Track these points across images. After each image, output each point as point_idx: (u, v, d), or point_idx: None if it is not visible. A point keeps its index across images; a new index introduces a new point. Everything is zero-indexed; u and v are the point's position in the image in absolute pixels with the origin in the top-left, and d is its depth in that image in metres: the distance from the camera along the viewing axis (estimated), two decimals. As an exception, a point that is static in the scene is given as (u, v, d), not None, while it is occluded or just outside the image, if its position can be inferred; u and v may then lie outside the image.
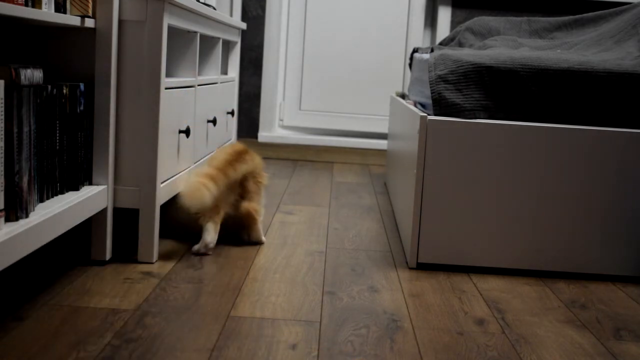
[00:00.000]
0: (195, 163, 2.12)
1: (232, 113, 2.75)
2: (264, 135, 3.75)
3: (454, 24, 3.69)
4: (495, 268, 1.85)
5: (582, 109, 1.82)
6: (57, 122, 1.45)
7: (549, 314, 1.54)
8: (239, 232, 1.96)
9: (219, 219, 1.84)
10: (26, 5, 1.30)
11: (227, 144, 2.00)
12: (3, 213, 1.19)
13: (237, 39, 2.92)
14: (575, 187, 1.80)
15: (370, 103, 3.83)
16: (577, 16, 2.60)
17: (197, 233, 1.90)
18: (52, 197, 1.46)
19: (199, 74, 2.43)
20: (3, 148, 1.18)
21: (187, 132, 1.88)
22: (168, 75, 2.05)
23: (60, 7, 1.45)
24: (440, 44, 2.92)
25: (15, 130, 1.23)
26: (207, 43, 2.46)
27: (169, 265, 1.70)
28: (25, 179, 1.28)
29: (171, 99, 1.78)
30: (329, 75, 3.81)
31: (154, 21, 1.63)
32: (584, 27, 2.52)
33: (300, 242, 2.00)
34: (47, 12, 1.33)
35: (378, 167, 3.62)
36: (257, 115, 3.77)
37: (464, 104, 1.81)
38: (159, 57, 1.64)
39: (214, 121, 2.30)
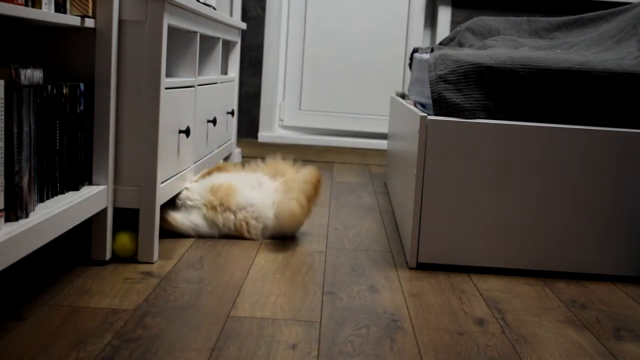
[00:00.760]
0: (195, 163, 2.12)
1: (232, 113, 2.75)
2: (264, 135, 3.75)
3: (454, 24, 3.69)
4: (495, 268, 1.85)
5: (582, 109, 1.82)
6: (57, 122, 1.45)
7: (549, 314, 1.54)
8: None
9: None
10: (26, 5, 1.30)
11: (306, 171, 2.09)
12: (3, 213, 1.19)
13: (237, 39, 2.92)
14: (575, 187, 1.80)
15: (370, 103, 3.83)
16: (577, 16, 2.60)
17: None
18: (52, 197, 1.46)
19: (199, 74, 2.43)
20: (3, 148, 1.18)
21: (187, 132, 1.88)
22: (168, 75, 2.06)
23: (60, 7, 1.45)
24: (440, 44, 2.92)
25: (15, 130, 1.23)
26: (207, 43, 2.46)
27: (169, 265, 1.70)
28: (25, 179, 1.28)
29: (171, 99, 1.78)
30: (329, 75, 3.81)
31: (154, 21, 1.63)
32: (584, 27, 2.52)
33: (300, 242, 2.00)
34: (47, 12, 1.33)
35: (378, 167, 3.62)
36: (257, 115, 3.77)
37: (464, 104, 1.81)
38: (159, 57, 1.64)
39: (214, 121, 2.30)
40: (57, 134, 1.46)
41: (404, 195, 2.07)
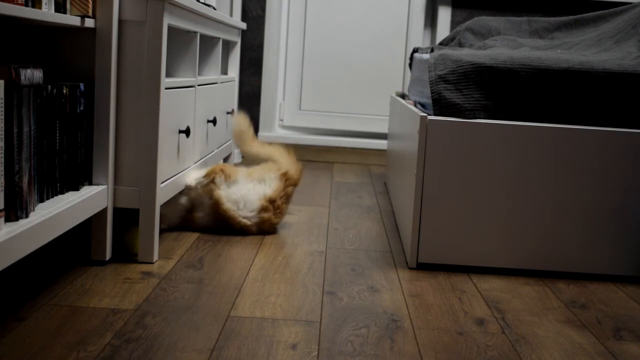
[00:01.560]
0: (195, 163, 2.12)
1: (232, 113, 2.75)
2: (264, 135, 3.75)
3: (454, 24, 3.69)
4: (495, 268, 1.85)
5: (582, 109, 1.82)
6: (57, 122, 1.45)
7: (549, 314, 1.54)
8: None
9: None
10: (26, 5, 1.30)
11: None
12: (3, 213, 1.19)
13: (237, 39, 2.92)
14: (575, 187, 1.80)
15: (370, 103, 3.83)
16: (577, 16, 2.60)
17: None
18: (52, 197, 1.46)
19: (199, 74, 2.43)
20: (3, 148, 1.18)
21: (187, 132, 1.89)
22: (168, 75, 2.06)
23: (60, 7, 1.45)
24: (440, 44, 2.92)
25: (15, 130, 1.23)
26: (207, 43, 2.46)
27: (169, 265, 1.70)
28: (25, 179, 1.28)
29: (171, 99, 1.78)
30: (329, 76, 3.81)
31: (154, 21, 1.63)
32: (584, 27, 2.52)
33: (300, 242, 2.00)
34: (47, 12, 1.33)
35: (378, 167, 3.62)
36: (257, 115, 3.77)
37: (464, 104, 1.81)
38: (159, 57, 1.64)
39: (214, 121, 2.30)
40: (57, 134, 1.46)
41: (404, 195, 2.07)
